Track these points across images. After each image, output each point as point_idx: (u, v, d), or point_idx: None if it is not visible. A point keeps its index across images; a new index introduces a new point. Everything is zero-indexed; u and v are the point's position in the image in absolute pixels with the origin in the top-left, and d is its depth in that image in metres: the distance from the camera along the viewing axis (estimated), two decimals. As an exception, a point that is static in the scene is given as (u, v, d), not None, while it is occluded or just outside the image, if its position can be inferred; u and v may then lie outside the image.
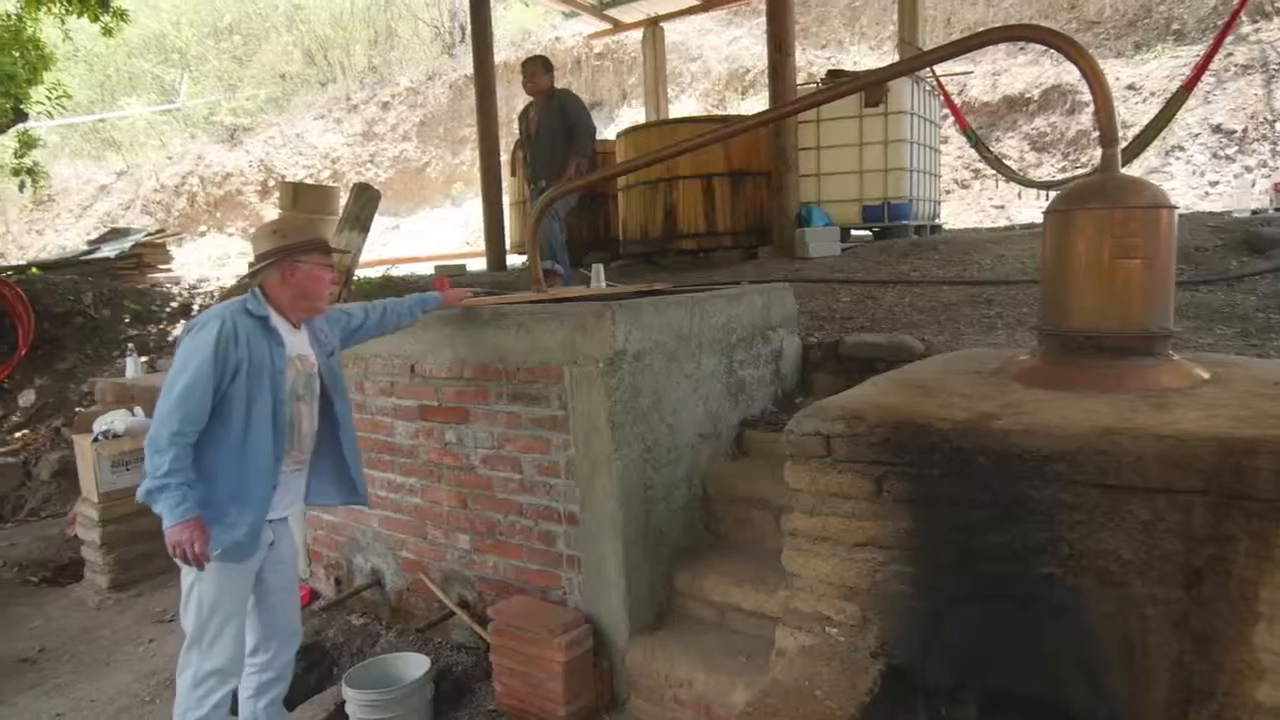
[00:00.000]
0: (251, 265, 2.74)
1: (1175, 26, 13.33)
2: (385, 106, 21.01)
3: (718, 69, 17.71)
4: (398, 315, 3.23)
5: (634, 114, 16.84)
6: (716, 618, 3.13)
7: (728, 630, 3.08)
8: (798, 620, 2.31)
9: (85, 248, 11.09)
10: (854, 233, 8.02)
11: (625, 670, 3.10)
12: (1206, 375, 2.31)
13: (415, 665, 3.31)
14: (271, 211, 17.39)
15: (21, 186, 8.38)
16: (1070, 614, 1.91)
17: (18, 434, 6.79)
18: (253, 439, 2.55)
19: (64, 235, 19.64)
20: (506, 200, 9.52)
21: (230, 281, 8.39)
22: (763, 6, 7.34)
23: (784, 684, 2.06)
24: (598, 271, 4.61)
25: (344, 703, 3.19)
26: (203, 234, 19.03)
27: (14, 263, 13.84)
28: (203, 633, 2.58)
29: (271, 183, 19.40)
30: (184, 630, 2.63)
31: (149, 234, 10.87)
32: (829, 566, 2.23)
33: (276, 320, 2.70)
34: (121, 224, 17.04)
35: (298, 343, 2.77)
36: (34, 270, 8.87)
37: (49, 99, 8.25)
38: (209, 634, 2.58)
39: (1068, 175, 11.52)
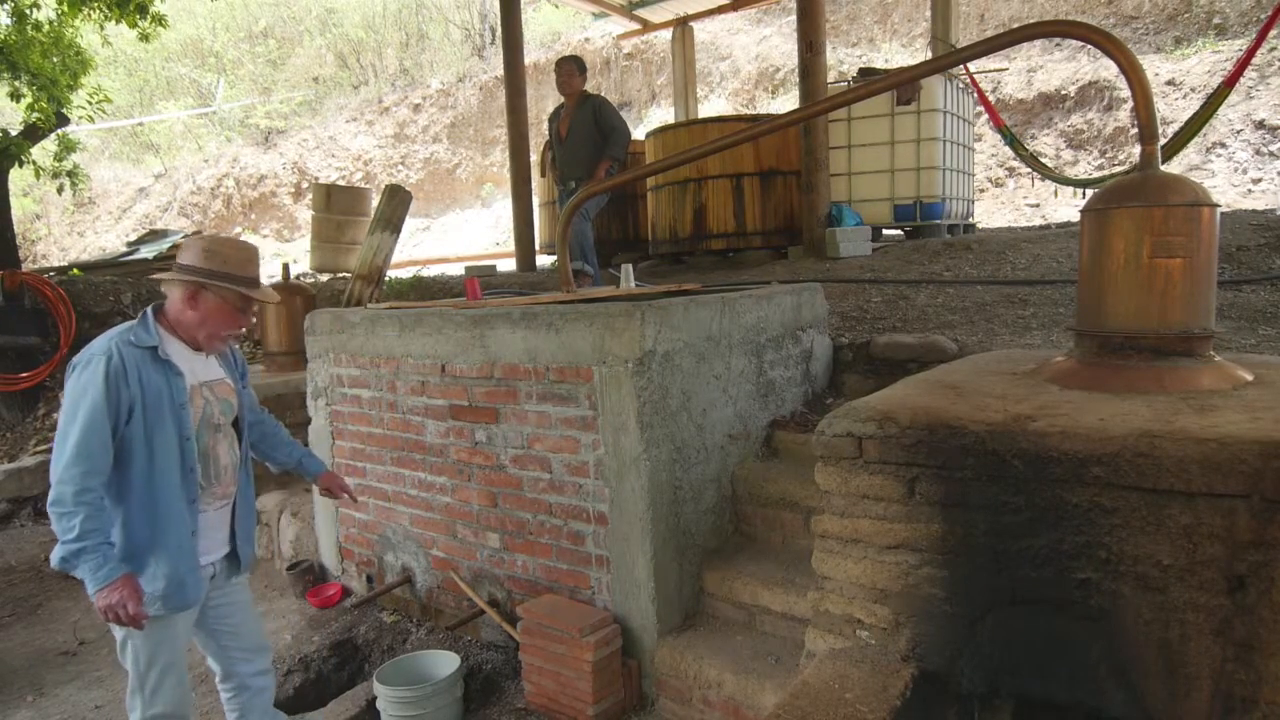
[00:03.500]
0: (166, 275, 2.48)
1: (1216, 21, 13.04)
2: (416, 108, 21.20)
3: (747, 68, 17.65)
4: (277, 439, 2.91)
5: (663, 114, 16.85)
6: (746, 619, 3.11)
7: (757, 632, 3.07)
8: (828, 623, 2.30)
9: (124, 249, 11.32)
10: (885, 232, 7.95)
11: (654, 670, 3.10)
12: (1249, 377, 2.26)
13: (445, 663, 3.34)
14: (304, 213, 17.63)
15: (61, 189, 8.54)
16: (1107, 620, 1.88)
17: (59, 431, 6.95)
18: (159, 483, 2.33)
19: (104, 237, 20.08)
20: (536, 201, 9.56)
21: (266, 282, 8.51)
22: (793, 4, 7.30)
23: (814, 686, 2.05)
24: (626, 272, 4.61)
25: (375, 699, 3.22)
26: (238, 235, 19.34)
27: (56, 264, 14.17)
28: (142, 683, 2.45)
29: (305, 185, 19.67)
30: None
31: (186, 235, 11.07)
32: (860, 569, 2.21)
33: (172, 346, 2.43)
34: (159, 226, 17.40)
35: (204, 368, 2.53)
36: (75, 271, 9.07)
37: (90, 103, 8.41)
38: (149, 684, 2.45)
39: (1105, 173, 11.31)
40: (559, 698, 3.08)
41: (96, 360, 2.28)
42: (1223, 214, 2.29)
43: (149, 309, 2.47)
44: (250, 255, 2.52)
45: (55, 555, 2.23)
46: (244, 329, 2.53)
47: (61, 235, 20.84)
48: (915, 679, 2.06)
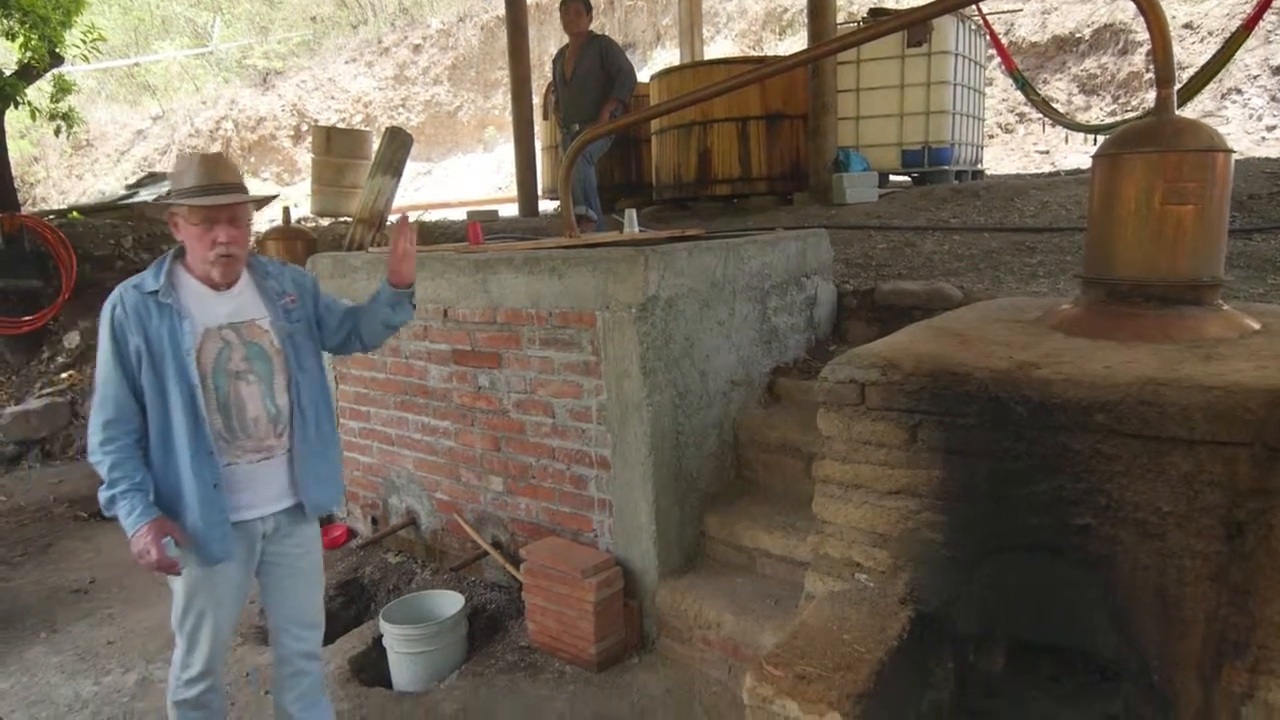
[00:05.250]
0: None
1: (1238, -39, 12.66)
2: (416, 49, 20.79)
3: (754, 8, 17.23)
4: (372, 312, 2.58)
5: (668, 56, 16.50)
6: (746, 562, 3.16)
7: (757, 574, 3.11)
8: (828, 566, 2.32)
9: (123, 192, 11.22)
10: (892, 178, 7.84)
11: (655, 611, 3.15)
12: (1257, 326, 2.24)
13: (450, 602, 3.39)
14: (304, 156, 17.43)
15: (58, 131, 8.41)
16: (1105, 565, 1.90)
17: (64, 374, 6.97)
18: (173, 433, 2.22)
19: (102, 180, 19.90)
20: (539, 145, 9.43)
21: (265, 226, 8.46)
22: (802, -59, 7.09)
23: (813, 627, 2.08)
24: (630, 217, 4.56)
25: (381, 637, 3.28)
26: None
27: (55, 207, 14.07)
28: (180, 630, 2.36)
29: (304, 127, 19.38)
30: None
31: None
32: (860, 514, 2.23)
33: (187, 288, 2.26)
34: (158, 168, 17.20)
35: (226, 309, 2.29)
36: (74, 214, 8.99)
37: (84, 42, 8.25)
38: (185, 633, 2.35)
39: (1117, 119, 11.12)
40: (561, 637, 3.14)
41: (105, 310, 2.22)
42: (1236, 161, 2.24)
43: (171, 251, 2.32)
44: (200, 162, 2.23)
45: (101, 498, 2.23)
46: (223, 246, 2.20)
47: (60, 178, 20.65)
48: (912, 621, 2.09)
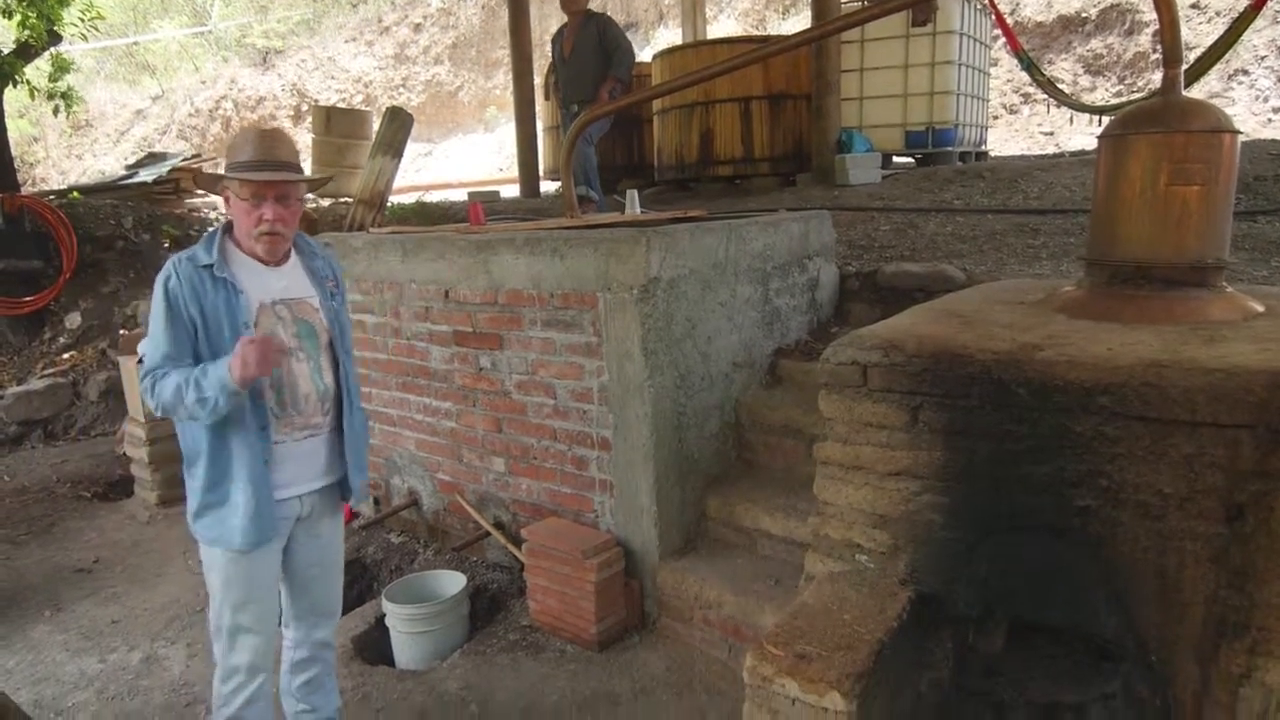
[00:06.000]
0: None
1: (1247, -61, 12.51)
2: (417, 28, 20.63)
3: (758, -13, 17.08)
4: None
5: (671, 35, 16.38)
6: (746, 543, 3.17)
7: (757, 555, 3.12)
8: (828, 547, 2.33)
9: (124, 172, 11.18)
10: (896, 159, 7.80)
11: (655, 591, 3.17)
12: (1260, 308, 2.24)
13: (452, 582, 3.41)
14: (304, 137, 17.35)
15: (56, 110, 8.36)
16: (1105, 546, 1.90)
17: (65, 355, 6.97)
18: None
19: (102, 160, 19.83)
20: (540, 125, 9.37)
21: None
22: (807, -81, 7.01)
23: (812, 607, 2.09)
24: (632, 198, 4.54)
25: (384, 616, 3.30)
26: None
27: (55, 187, 14.02)
28: (219, 628, 2.28)
29: (304, 107, 19.28)
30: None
31: (186, 159, 10.90)
32: (861, 495, 2.24)
33: (239, 263, 2.22)
34: (158, 149, 17.12)
35: (279, 284, 2.27)
36: (75, 195, 8.96)
37: (82, 20, 8.18)
38: (225, 629, 2.27)
39: (1123, 100, 11.04)
40: (563, 616, 3.16)
41: (158, 282, 2.16)
42: (1242, 143, 2.23)
43: (221, 225, 2.27)
44: (257, 137, 2.18)
45: (187, 403, 2.08)
46: (268, 223, 2.16)
47: (60, 158, 20.58)
48: (912, 601, 2.10)
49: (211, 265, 2.16)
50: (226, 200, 2.20)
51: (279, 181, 2.15)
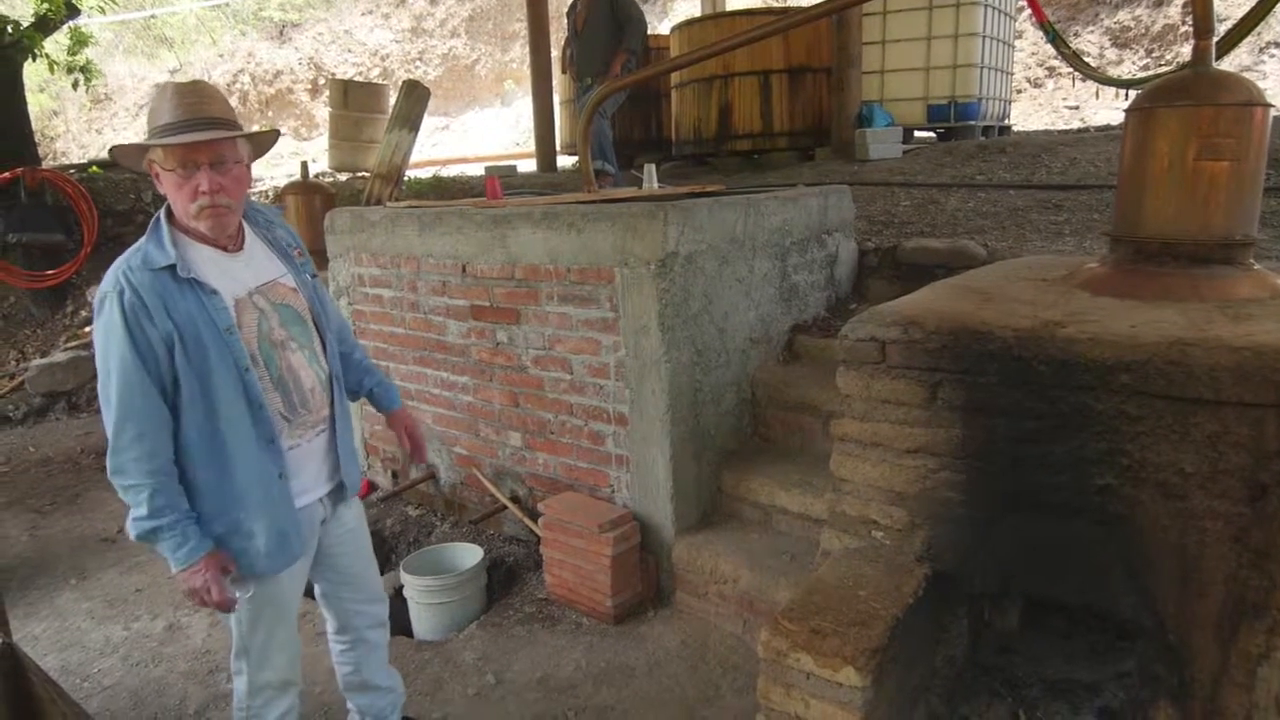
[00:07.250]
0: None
1: (1283, -94, 12.17)
2: (433, 1, 20.49)
3: (778, -42, 16.80)
4: (347, 359, 2.31)
5: (689, 8, 16.16)
6: (762, 519, 3.17)
7: (773, 531, 3.13)
8: (844, 523, 2.33)
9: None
10: (917, 134, 7.69)
11: (671, 566, 3.18)
12: (1289, 286, 2.19)
13: (469, 555, 3.44)
14: (322, 111, 17.32)
15: (75, 85, 8.40)
16: (1124, 525, 1.89)
17: (87, 328, 7.05)
18: (224, 429, 1.87)
19: (122, 134, 19.91)
20: (557, 99, 9.31)
21: (283, 181, 8.44)
22: (829, -113, 6.87)
23: (828, 583, 2.09)
24: (649, 172, 4.51)
25: (402, 587, 3.34)
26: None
27: (75, 161, 14.11)
28: (248, 646, 2.07)
29: (321, 81, 19.26)
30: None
31: (204, 132, 10.91)
32: (878, 472, 2.23)
33: (195, 255, 1.87)
34: (177, 122, 17.12)
35: (248, 271, 1.96)
36: (95, 169, 9.02)
37: (100, -8, 8.22)
38: (255, 647, 2.07)
39: (1150, 73, 10.82)
40: (579, 589, 3.19)
41: (109, 300, 1.78)
42: (1274, 117, 2.18)
43: (160, 212, 1.90)
44: (175, 92, 1.80)
45: (131, 528, 1.87)
46: (205, 196, 1.80)
47: (80, 132, 20.67)
48: (928, 579, 2.10)
49: (173, 265, 1.81)
50: (156, 177, 1.84)
51: (210, 142, 1.78)
